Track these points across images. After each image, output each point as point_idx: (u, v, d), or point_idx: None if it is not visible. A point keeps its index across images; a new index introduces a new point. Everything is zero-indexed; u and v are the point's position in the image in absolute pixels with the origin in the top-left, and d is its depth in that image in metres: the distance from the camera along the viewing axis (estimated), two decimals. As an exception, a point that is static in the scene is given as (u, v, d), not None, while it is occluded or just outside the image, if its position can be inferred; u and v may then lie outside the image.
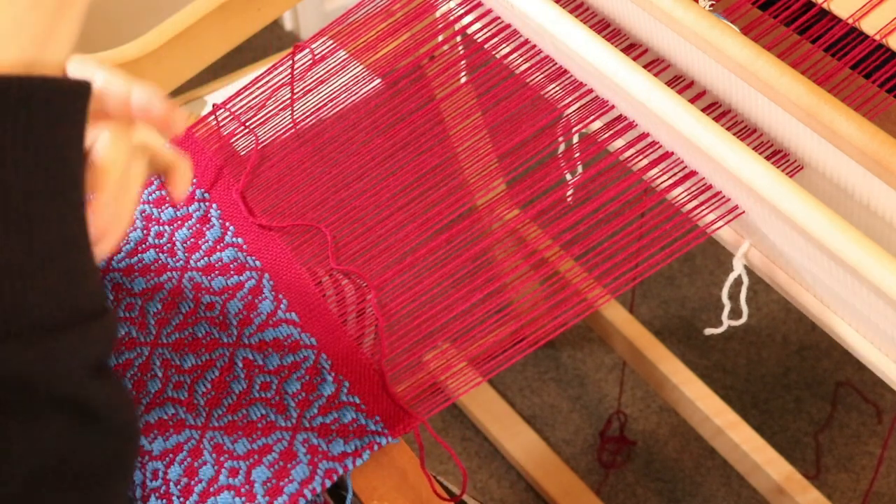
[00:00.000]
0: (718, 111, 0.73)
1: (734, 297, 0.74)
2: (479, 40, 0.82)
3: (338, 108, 0.86)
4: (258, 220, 0.80)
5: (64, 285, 0.45)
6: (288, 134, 0.85)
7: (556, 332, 0.70)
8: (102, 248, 0.56)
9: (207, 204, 0.82)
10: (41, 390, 0.45)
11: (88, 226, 0.47)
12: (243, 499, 0.67)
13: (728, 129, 0.67)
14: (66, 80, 0.44)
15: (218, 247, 0.79)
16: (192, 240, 0.80)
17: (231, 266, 0.78)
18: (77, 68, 0.51)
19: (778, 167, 0.64)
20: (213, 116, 0.87)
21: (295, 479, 0.67)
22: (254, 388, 0.72)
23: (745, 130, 0.71)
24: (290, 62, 0.88)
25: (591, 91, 0.76)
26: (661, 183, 0.72)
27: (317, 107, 0.86)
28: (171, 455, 0.71)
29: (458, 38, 0.86)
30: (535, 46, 0.79)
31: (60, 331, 0.45)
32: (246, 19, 0.97)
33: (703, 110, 0.67)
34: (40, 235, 0.44)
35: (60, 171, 0.44)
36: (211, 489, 0.69)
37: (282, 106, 0.86)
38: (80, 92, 0.45)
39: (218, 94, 1.34)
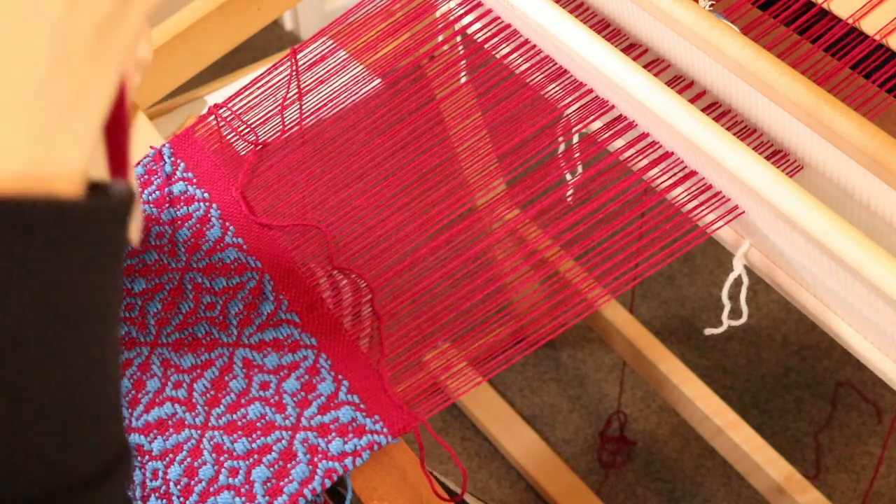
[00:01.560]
0: (718, 111, 0.73)
1: (734, 297, 0.74)
2: (479, 40, 0.82)
3: (338, 108, 0.86)
4: (258, 220, 0.80)
5: (61, 447, 0.35)
6: (288, 134, 0.85)
7: (556, 333, 0.70)
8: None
9: (207, 204, 0.82)
10: None
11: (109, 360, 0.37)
12: (243, 499, 0.68)
13: (728, 129, 0.67)
14: (72, 203, 0.33)
15: (218, 247, 0.79)
16: (192, 240, 0.80)
17: (231, 266, 0.78)
18: None
19: (778, 167, 0.64)
20: (213, 116, 0.87)
21: (295, 478, 0.67)
22: (253, 388, 0.72)
23: (745, 130, 0.71)
24: (290, 62, 0.88)
25: (591, 91, 0.76)
26: (661, 183, 0.72)
27: (317, 107, 0.86)
28: (170, 455, 0.71)
29: (458, 38, 0.86)
30: (535, 46, 0.79)
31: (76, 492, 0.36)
32: (246, 19, 0.97)
33: (703, 110, 0.67)
34: (28, 388, 0.34)
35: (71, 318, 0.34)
36: (211, 489, 0.69)
37: (282, 106, 0.86)
38: (95, 214, 0.33)
39: (218, 94, 1.34)
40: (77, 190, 0.33)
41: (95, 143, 0.34)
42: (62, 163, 0.33)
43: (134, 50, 0.36)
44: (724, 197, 0.70)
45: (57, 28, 0.32)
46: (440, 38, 0.86)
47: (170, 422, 0.72)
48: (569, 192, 0.75)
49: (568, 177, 0.78)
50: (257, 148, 0.85)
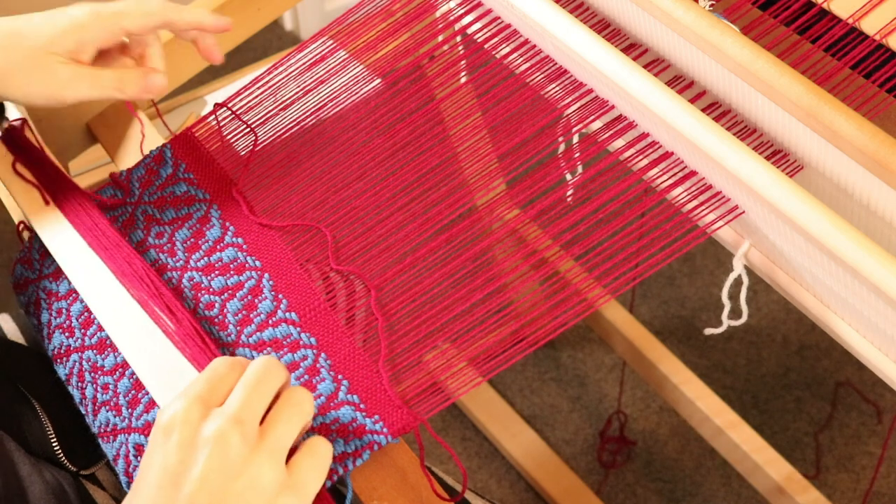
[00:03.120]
0: (718, 111, 0.73)
1: (734, 297, 0.74)
2: (479, 40, 0.82)
3: (338, 108, 0.86)
4: (258, 220, 0.80)
5: None
6: (288, 134, 0.85)
7: (556, 333, 0.70)
8: None
9: (207, 204, 0.82)
10: None
11: None
12: (243, 499, 0.67)
13: (728, 129, 0.67)
14: None
15: (218, 247, 0.79)
16: (192, 240, 0.80)
17: (231, 266, 0.78)
18: None
19: (778, 167, 0.64)
20: (214, 116, 0.87)
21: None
22: (254, 388, 0.72)
23: (745, 130, 0.72)
24: (290, 62, 0.88)
25: (591, 91, 0.76)
26: (661, 183, 0.72)
27: (317, 107, 0.86)
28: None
29: (458, 38, 0.86)
30: (535, 46, 0.80)
31: None
32: (246, 19, 0.97)
33: (703, 110, 0.67)
34: None
35: None
36: (211, 489, 0.69)
37: (282, 106, 0.86)
38: None
39: (218, 94, 1.34)
40: None
41: None
42: None
43: None
44: (724, 197, 0.70)
45: None
46: (440, 38, 0.86)
47: (170, 422, 0.72)
48: (569, 192, 0.75)
49: (568, 177, 0.78)
50: (257, 148, 0.85)
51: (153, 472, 0.53)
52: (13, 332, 0.89)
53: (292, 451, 0.57)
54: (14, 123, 0.84)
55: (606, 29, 0.79)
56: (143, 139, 0.90)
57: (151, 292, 0.73)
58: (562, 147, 0.78)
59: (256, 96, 0.87)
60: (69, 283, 0.79)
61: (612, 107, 0.75)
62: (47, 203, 0.80)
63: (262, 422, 0.56)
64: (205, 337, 0.71)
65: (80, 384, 0.77)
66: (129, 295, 0.74)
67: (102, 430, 0.75)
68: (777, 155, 0.70)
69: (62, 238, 0.78)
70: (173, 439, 0.53)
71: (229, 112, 0.87)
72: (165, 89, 0.80)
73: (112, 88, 0.77)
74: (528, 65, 0.80)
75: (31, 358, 0.85)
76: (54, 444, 0.79)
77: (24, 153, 0.83)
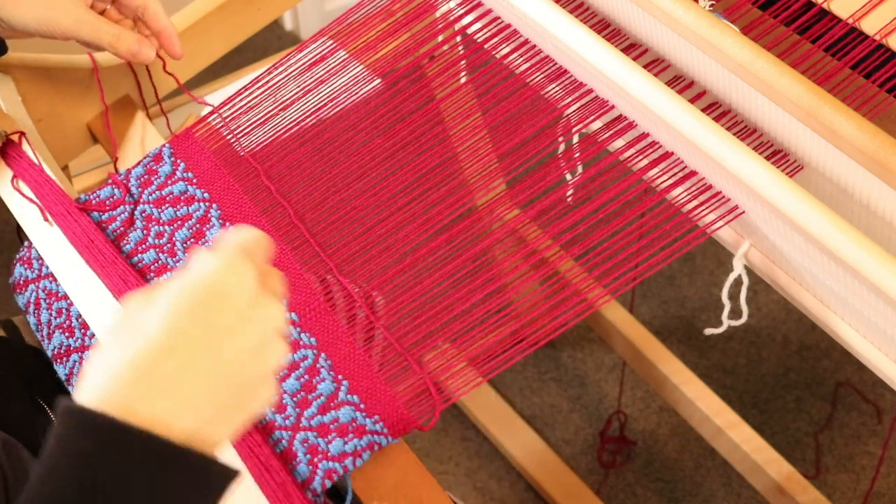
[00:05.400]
0: (718, 111, 0.73)
1: (734, 297, 0.74)
2: (479, 40, 0.82)
3: (338, 108, 0.86)
4: (259, 220, 0.80)
5: None
6: (288, 134, 0.85)
7: (556, 333, 0.70)
8: None
9: (207, 204, 0.82)
10: None
11: None
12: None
13: (728, 129, 0.67)
14: (218, 463, 0.49)
15: (218, 247, 0.79)
16: (192, 240, 0.80)
17: (231, 266, 0.78)
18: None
19: (778, 167, 0.64)
20: (213, 116, 0.87)
21: (295, 479, 0.67)
22: (254, 388, 0.72)
23: (745, 130, 0.71)
24: (290, 62, 0.88)
25: (591, 91, 0.76)
26: (661, 183, 0.72)
27: (317, 107, 0.86)
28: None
29: (458, 38, 0.86)
30: (535, 46, 0.79)
31: None
32: (246, 19, 0.97)
33: (703, 110, 0.67)
34: None
35: None
36: (211, 489, 0.69)
37: (282, 106, 0.86)
38: (225, 475, 0.50)
39: (218, 94, 1.34)
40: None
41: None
42: (215, 436, 0.50)
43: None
44: (724, 197, 0.70)
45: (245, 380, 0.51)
46: (440, 38, 0.86)
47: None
48: (569, 192, 0.75)
49: (568, 177, 0.78)
50: (257, 148, 0.85)
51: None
52: (29, 335, 0.89)
53: None
54: (12, 137, 0.84)
55: (606, 29, 0.79)
56: (144, 139, 0.90)
57: None
58: (562, 147, 0.78)
59: (256, 96, 0.87)
60: (69, 283, 0.79)
61: (612, 107, 0.75)
62: (46, 220, 0.81)
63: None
64: None
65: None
66: None
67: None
68: (777, 155, 0.70)
69: (61, 255, 0.79)
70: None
71: (229, 112, 0.87)
72: (150, 60, 0.85)
73: (107, 40, 0.82)
74: (528, 65, 0.80)
75: (44, 361, 0.85)
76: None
77: (22, 168, 0.83)
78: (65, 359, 0.79)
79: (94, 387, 0.48)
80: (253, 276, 0.51)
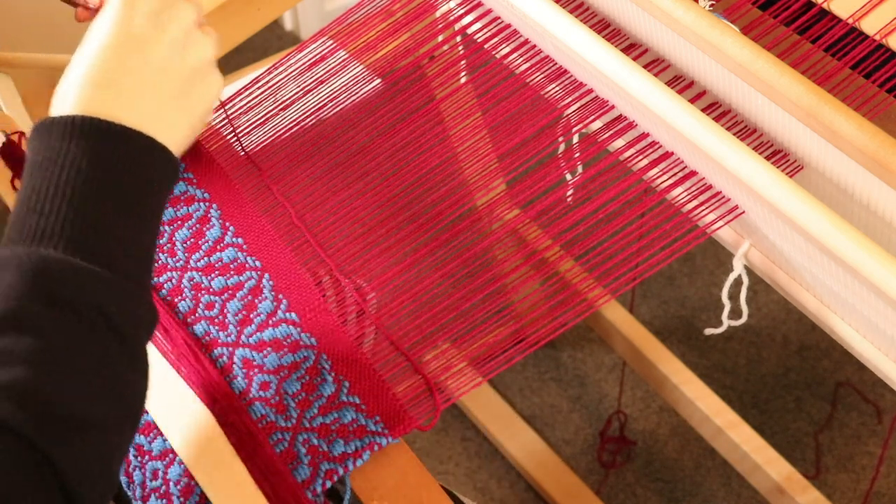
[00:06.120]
0: (718, 111, 0.73)
1: (734, 297, 0.74)
2: (479, 40, 0.82)
3: (338, 108, 0.86)
4: (259, 220, 0.80)
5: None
6: (288, 134, 0.85)
7: (556, 333, 0.70)
8: None
9: (207, 204, 0.82)
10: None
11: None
12: (243, 499, 0.67)
13: (728, 129, 0.67)
14: (159, 144, 0.59)
15: (218, 247, 0.79)
16: (192, 240, 0.80)
17: (231, 266, 0.78)
18: None
19: (778, 167, 0.64)
20: (213, 116, 0.87)
21: (296, 479, 0.67)
22: (253, 388, 0.72)
23: (745, 130, 0.71)
24: (290, 62, 0.88)
25: (591, 91, 0.76)
26: (661, 183, 0.72)
27: (317, 107, 0.86)
28: (170, 455, 0.71)
29: (458, 38, 0.86)
30: (535, 46, 0.79)
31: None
32: (246, 19, 0.97)
33: (703, 110, 0.67)
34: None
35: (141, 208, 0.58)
36: (211, 489, 0.69)
37: (282, 106, 0.86)
38: (167, 157, 0.60)
39: (218, 94, 1.34)
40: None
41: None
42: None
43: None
44: (724, 197, 0.70)
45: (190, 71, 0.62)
46: (440, 38, 0.86)
47: (170, 422, 0.72)
48: (569, 192, 0.75)
49: (568, 177, 0.78)
50: (257, 148, 0.85)
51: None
52: None
53: None
54: (12, 137, 0.84)
55: (606, 29, 0.79)
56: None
57: None
58: (562, 147, 0.78)
59: (256, 96, 0.87)
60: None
61: (612, 107, 0.75)
62: None
63: None
64: (199, 355, 0.71)
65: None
66: None
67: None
68: (777, 155, 0.70)
69: None
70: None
71: (229, 112, 0.87)
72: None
73: None
74: (528, 65, 0.80)
75: None
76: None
77: (22, 168, 0.83)
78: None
79: (58, 100, 0.59)
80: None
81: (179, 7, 0.62)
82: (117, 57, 0.59)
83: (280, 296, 0.76)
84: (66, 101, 0.58)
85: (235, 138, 0.86)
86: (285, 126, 0.86)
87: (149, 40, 0.60)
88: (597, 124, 0.76)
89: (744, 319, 0.74)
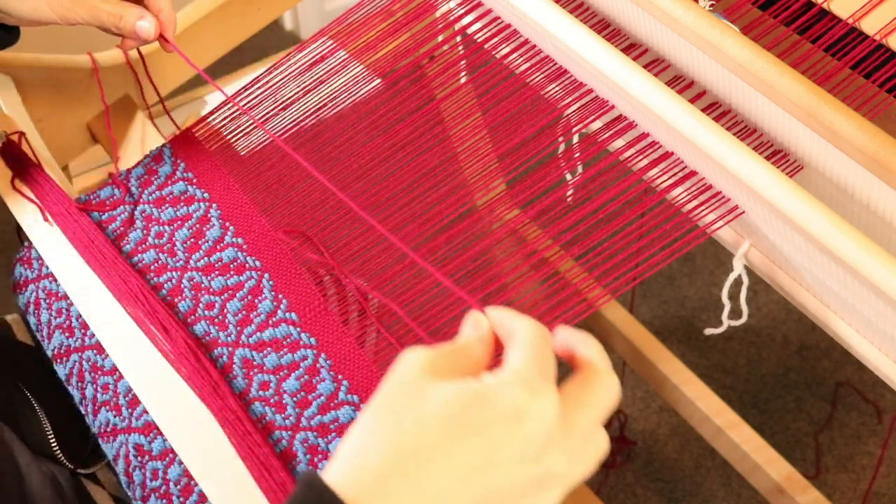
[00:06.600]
0: (718, 111, 0.73)
1: (734, 297, 0.74)
2: (479, 40, 0.82)
3: (338, 108, 0.86)
4: (259, 220, 0.80)
5: None
6: (288, 134, 0.85)
7: (556, 333, 0.70)
8: None
9: (207, 204, 0.82)
10: None
11: None
12: (243, 499, 0.67)
13: (728, 129, 0.67)
14: None
15: (218, 247, 0.79)
16: (192, 240, 0.80)
17: (231, 266, 0.78)
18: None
19: (778, 167, 0.64)
20: (214, 116, 0.87)
21: (295, 479, 0.67)
22: (253, 388, 0.72)
23: (745, 130, 0.71)
24: (290, 62, 0.88)
25: (591, 91, 0.76)
26: (661, 183, 0.72)
27: (317, 107, 0.86)
28: (170, 455, 0.71)
29: (458, 38, 0.86)
30: (535, 46, 0.79)
31: None
32: (246, 19, 0.97)
33: (703, 110, 0.67)
34: None
35: None
36: (211, 489, 0.69)
37: (282, 106, 0.86)
38: None
39: (217, 93, 1.34)
40: None
41: None
42: None
43: None
44: (724, 197, 0.70)
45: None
46: (440, 38, 0.86)
47: (170, 422, 0.72)
48: (569, 192, 0.75)
49: (568, 177, 0.78)
50: (257, 148, 0.85)
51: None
52: (22, 333, 0.89)
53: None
54: (12, 137, 0.84)
55: (606, 29, 0.79)
56: (144, 139, 0.90)
57: (147, 310, 0.74)
58: (562, 147, 0.78)
59: (256, 96, 0.87)
60: (69, 283, 0.79)
61: (612, 107, 0.75)
62: (46, 220, 0.81)
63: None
64: (199, 355, 0.71)
65: (80, 384, 0.77)
66: (125, 313, 0.75)
67: (102, 430, 0.75)
68: (777, 155, 0.70)
69: (61, 256, 0.79)
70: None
71: (229, 111, 0.87)
72: (151, 37, 0.81)
73: (110, 21, 0.78)
74: (528, 65, 0.80)
75: (34, 359, 0.85)
76: (52, 442, 0.79)
77: (22, 168, 0.83)
78: (65, 359, 0.79)
79: (341, 464, 0.44)
80: (556, 408, 0.45)
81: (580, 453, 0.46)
82: (449, 470, 0.43)
83: (280, 296, 0.76)
84: (348, 473, 0.44)
85: (235, 138, 0.86)
86: (285, 126, 0.86)
87: (498, 469, 0.44)
88: (597, 124, 0.76)
89: (744, 319, 0.74)
